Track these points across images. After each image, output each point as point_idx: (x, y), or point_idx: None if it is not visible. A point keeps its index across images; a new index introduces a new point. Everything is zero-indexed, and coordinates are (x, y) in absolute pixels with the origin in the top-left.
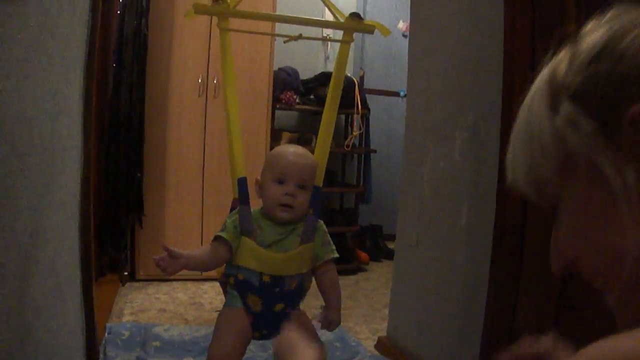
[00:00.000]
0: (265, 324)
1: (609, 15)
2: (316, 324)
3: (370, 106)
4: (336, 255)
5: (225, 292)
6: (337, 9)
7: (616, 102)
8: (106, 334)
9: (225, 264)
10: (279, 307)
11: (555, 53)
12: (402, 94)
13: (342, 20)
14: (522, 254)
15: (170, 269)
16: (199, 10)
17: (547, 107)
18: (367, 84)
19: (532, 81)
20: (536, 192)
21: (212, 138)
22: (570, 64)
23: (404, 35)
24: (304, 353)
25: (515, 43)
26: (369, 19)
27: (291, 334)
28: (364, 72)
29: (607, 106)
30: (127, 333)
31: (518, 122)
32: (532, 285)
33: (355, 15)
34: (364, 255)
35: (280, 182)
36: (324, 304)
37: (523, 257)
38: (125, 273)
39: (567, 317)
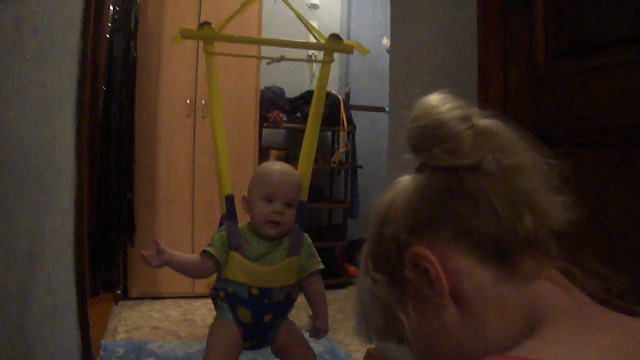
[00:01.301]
0: (256, 335)
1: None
2: (305, 334)
3: (356, 122)
4: (322, 266)
5: (216, 305)
6: (317, 31)
7: (397, 255)
8: (101, 352)
9: (215, 279)
10: (268, 318)
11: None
12: (387, 109)
13: (322, 41)
14: None
15: (155, 262)
16: (185, 35)
17: (362, 275)
18: (353, 100)
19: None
20: (383, 340)
21: (201, 157)
22: (370, 237)
23: (388, 52)
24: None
25: (489, 61)
26: (353, 35)
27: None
28: (349, 89)
29: (393, 260)
30: (121, 350)
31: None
32: None
33: (334, 36)
34: (353, 269)
35: (268, 200)
36: (311, 314)
37: None
38: (119, 291)
39: None
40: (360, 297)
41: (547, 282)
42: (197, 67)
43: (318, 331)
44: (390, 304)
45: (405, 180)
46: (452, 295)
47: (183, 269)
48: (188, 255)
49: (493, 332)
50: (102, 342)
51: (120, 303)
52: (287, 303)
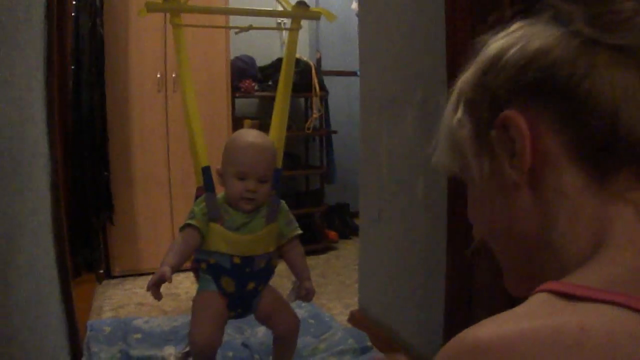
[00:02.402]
0: (240, 303)
1: (510, 28)
2: (293, 298)
3: (329, 88)
4: (300, 231)
5: (197, 277)
6: None
7: (491, 111)
8: (88, 331)
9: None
10: (251, 285)
11: (492, 33)
12: (359, 73)
13: (289, 9)
14: None
15: (159, 287)
16: (151, 8)
17: (452, 108)
18: (325, 66)
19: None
20: (448, 173)
21: (175, 131)
22: (470, 73)
23: (358, 16)
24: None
25: (456, 21)
26: (322, 1)
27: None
28: (320, 55)
29: (484, 114)
30: (108, 328)
31: (445, 113)
32: (486, 249)
33: (301, 4)
34: (332, 234)
35: (241, 178)
36: (294, 279)
37: None
38: (101, 271)
39: None
40: (442, 129)
41: (630, 207)
42: (165, 41)
43: (307, 292)
44: (465, 153)
45: (531, 30)
46: (530, 178)
47: (182, 262)
48: (175, 246)
49: (557, 236)
50: (89, 322)
51: (104, 282)
52: (269, 270)
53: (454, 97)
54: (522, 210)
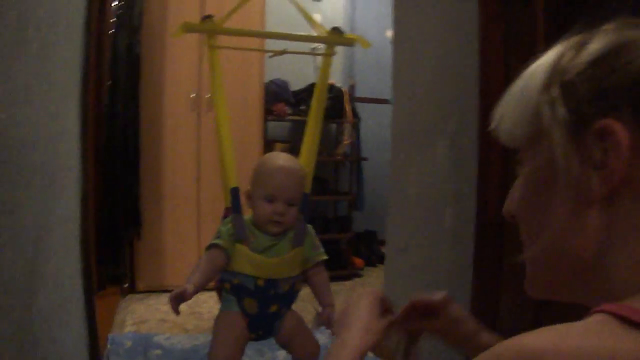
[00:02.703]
0: (261, 325)
1: (616, 26)
2: (316, 325)
3: (361, 115)
4: (325, 257)
5: (220, 297)
6: (318, 25)
7: (594, 108)
8: (109, 345)
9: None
10: (274, 308)
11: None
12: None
13: (323, 34)
14: (502, 253)
15: (182, 302)
16: (187, 28)
17: (542, 83)
18: (358, 93)
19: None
20: (510, 144)
21: (206, 150)
22: (575, 57)
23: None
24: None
25: (490, 52)
26: (358, 28)
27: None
28: (354, 81)
29: (585, 107)
30: (129, 343)
31: (517, 83)
32: (513, 283)
33: (335, 29)
34: (358, 261)
35: (269, 200)
36: (318, 307)
37: (503, 257)
38: (126, 285)
39: (547, 312)
40: (520, 100)
41: None
42: (200, 62)
43: (329, 319)
44: (551, 137)
45: None
46: (607, 199)
47: (207, 282)
48: (201, 266)
49: (614, 262)
50: (110, 335)
51: (128, 296)
52: (292, 293)
53: (546, 71)
54: (585, 228)
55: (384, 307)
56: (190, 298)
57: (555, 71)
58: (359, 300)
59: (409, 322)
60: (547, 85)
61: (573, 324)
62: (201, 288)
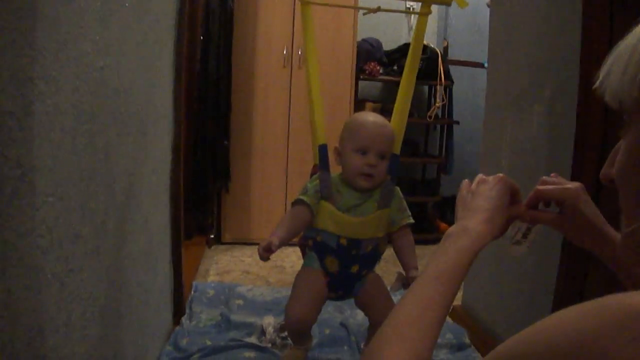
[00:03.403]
0: (341, 285)
1: None
2: (397, 287)
3: (454, 77)
4: (411, 220)
5: (303, 253)
6: None
7: None
8: (192, 292)
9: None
10: (355, 268)
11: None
12: (486, 65)
13: None
14: None
15: (271, 253)
16: None
17: None
18: (451, 55)
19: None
20: (615, 105)
21: (296, 107)
22: None
23: (489, 6)
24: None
25: (594, 18)
26: None
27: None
28: (447, 43)
29: None
30: (212, 292)
31: (626, 42)
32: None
33: None
34: (444, 226)
35: (362, 152)
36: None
37: None
38: (212, 236)
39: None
40: (629, 61)
41: None
42: (293, 18)
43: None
44: None
45: None
46: None
47: (291, 237)
48: (286, 221)
49: None
50: (194, 282)
51: (213, 247)
52: (375, 255)
53: None
54: None
55: (512, 196)
56: (275, 251)
57: None
58: (487, 186)
59: (531, 213)
60: None
61: None
62: (285, 242)
